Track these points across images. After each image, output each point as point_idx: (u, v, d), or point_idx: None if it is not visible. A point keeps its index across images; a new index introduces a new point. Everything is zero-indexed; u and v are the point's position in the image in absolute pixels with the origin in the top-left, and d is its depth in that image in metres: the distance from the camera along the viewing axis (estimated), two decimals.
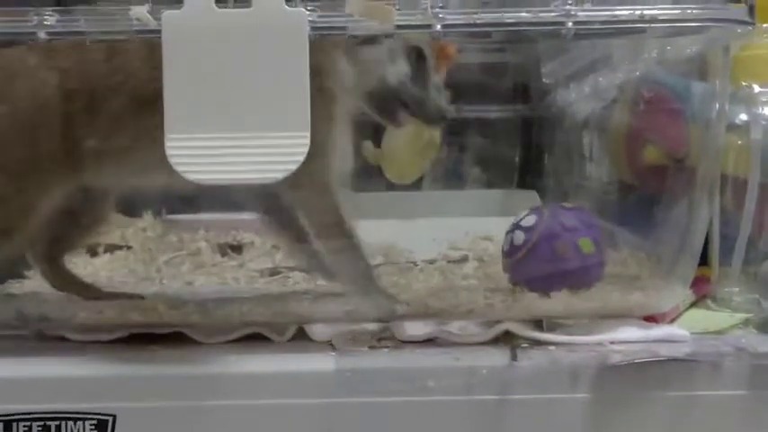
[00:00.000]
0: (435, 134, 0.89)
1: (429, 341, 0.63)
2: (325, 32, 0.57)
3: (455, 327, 0.64)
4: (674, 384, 0.58)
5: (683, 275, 0.65)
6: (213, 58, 0.56)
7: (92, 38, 0.57)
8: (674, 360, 0.58)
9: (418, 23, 0.58)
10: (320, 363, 0.59)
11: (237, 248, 0.89)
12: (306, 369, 0.58)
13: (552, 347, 0.60)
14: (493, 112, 1.12)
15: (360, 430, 0.58)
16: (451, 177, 1.14)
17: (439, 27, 0.57)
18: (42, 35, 0.56)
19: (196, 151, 0.56)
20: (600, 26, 0.58)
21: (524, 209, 0.96)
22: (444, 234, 0.89)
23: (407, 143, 0.90)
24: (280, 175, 0.56)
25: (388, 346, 0.61)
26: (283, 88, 0.56)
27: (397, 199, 1.00)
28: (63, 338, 0.64)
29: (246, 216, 0.96)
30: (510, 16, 0.58)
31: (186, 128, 0.56)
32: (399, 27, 0.57)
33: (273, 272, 0.81)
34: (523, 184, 1.11)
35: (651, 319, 0.64)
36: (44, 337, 0.64)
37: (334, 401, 0.57)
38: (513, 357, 0.58)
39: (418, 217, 0.94)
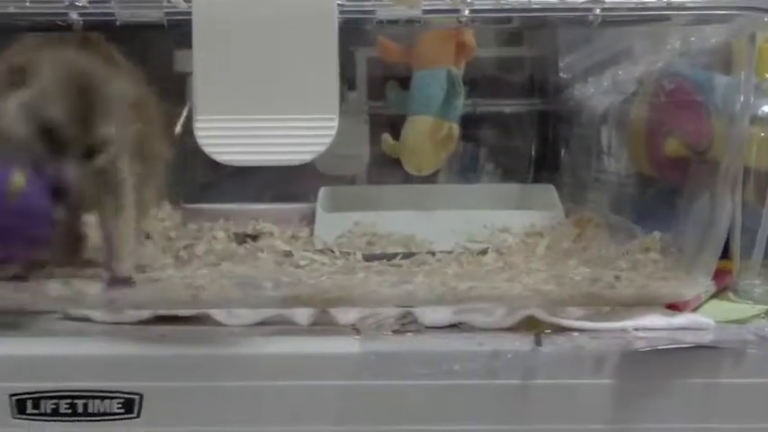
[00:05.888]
0: (454, 126, 0.90)
1: (450, 327, 0.63)
2: (353, 16, 0.57)
3: (477, 313, 0.64)
4: (697, 371, 0.58)
5: (706, 266, 0.65)
6: (243, 41, 0.56)
7: (123, 20, 0.57)
8: (698, 347, 0.58)
9: (446, 8, 0.58)
10: (345, 345, 0.59)
11: (254, 237, 0.89)
12: (331, 351, 0.59)
13: (576, 333, 0.60)
14: (509, 106, 1.12)
15: (383, 412, 0.58)
16: (467, 171, 1.15)
17: (467, 12, 0.58)
18: (74, 16, 0.57)
19: (225, 132, 0.56)
20: (627, 13, 0.58)
21: (541, 203, 0.97)
22: (462, 226, 0.89)
23: (427, 135, 0.90)
24: (307, 157, 0.57)
25: (411, 331, 0.61)
26: (312, 71, 0.56)
27: (413, 192, 1.01)
28: (89, 320, 0.64)
29: (265, 206, 0.97)
30: (537, 2, 0.58)
31: (215, 110, 0.56)
32: (427, 12, 0.58)
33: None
34: (539, 178, 1.11)
35: (674, 307, 0.64)
36: (70, 318, 0.64)
37: (358, 384, 0.58)
38: (538, 342, 0.58)
39: (435, 210, 0.95)
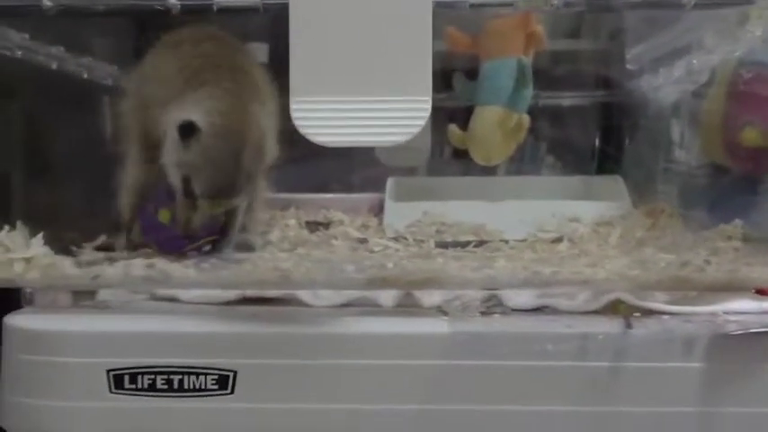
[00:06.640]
0: (524, 117, 0.90)
1: (535, 310, 0.63)
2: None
3: (561, 297, 0.64)
4: None
5: None
6: (338, 23, 0.57)
7: (220, 4, 0.58)
8: None
9: None
10: (434, 326, 0.60)
11: (326, 225, 0.90)
12: (422, 331, 0.59)
13: (666, 317, 0.60)
14: (572, 98, 1.12)
15: (473, 392, 0.58)
16: (527, 163, 1.15)
17: None
18: (173, 0, 0.58)
19: (320, 114, 0.57)
20: None
21: (608, 194, 0.97)
22: (530, 216, 0.89)
23: (496, 125, 0.90)
24: (402, 139, 0.57)
25: (497, 313, 0.62)
26: (406, 53, 0.57)
27: (479, 183, 1.01)
28: (176, 300, 0.65)
29: (333, 195, 0.98)
30: None
31: (311, 91, 0.57)
32: None
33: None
34: (601, 169, 1.10)
35: (763, 292, 0.64)
36: (157, 298, 0.66)
37: (449, 363, 0.58)
38: (628, 325, 0.58)
39: (501, 200, 0.95)
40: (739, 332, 0.57)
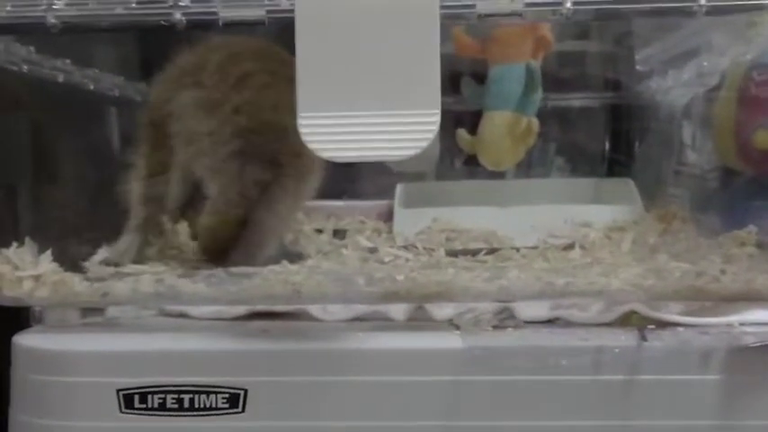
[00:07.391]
0: (533, 121, 0.89)
1: (548, 322, 0.63)
2: (455, 10, 0.57)
3: (574, 308, 0.63)
4: None
5: None
6: (345, 37, 0.56)
7: (225, 19, 0.58)
8: None
9: (548, 1, 0.58)
10: (447, 341, 0.59)
11: (341, 233, 0.90)
12: (435, 347, 0.59)
13: (681, 329, 0.59)
14: (581, 100, 1.11)
15: (488, 408, 0.58)
16: (536, 166, 1.14)
17: (569, 5, 0.57)
18: (178, 16, 0.58)
19: (328, 129, 0.56)
20: (733, 2, 0.57)
21: (619, 197, 0.96)
22: (541, 221, 0.88)
23: (505, 130, 0.89)
24: (411, 153, 0.57)
25: (510, 326, 0.61)
26: (414, 66, 0.56)
27: (489, 187, 1.01)
28: (185, 315, 0.65)
29: (342, 203, 0.98)
30: None
31: (318, 106, 0.56)
32: (528, 5, 0.57)
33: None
34: (611, 172, 1.10)
35: None
36: (166, 314, 0.65)
37: (463, 379, 0.57)
38: (643, 338, 0.58)
39: (511, 205, 0.94)
40: (757, 344, 0.56)
